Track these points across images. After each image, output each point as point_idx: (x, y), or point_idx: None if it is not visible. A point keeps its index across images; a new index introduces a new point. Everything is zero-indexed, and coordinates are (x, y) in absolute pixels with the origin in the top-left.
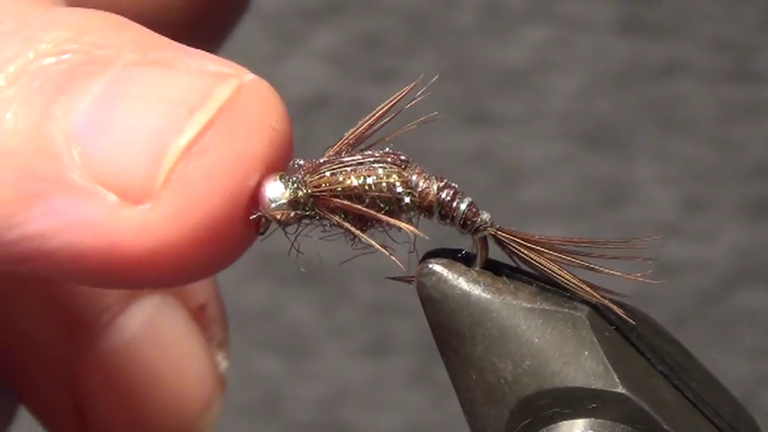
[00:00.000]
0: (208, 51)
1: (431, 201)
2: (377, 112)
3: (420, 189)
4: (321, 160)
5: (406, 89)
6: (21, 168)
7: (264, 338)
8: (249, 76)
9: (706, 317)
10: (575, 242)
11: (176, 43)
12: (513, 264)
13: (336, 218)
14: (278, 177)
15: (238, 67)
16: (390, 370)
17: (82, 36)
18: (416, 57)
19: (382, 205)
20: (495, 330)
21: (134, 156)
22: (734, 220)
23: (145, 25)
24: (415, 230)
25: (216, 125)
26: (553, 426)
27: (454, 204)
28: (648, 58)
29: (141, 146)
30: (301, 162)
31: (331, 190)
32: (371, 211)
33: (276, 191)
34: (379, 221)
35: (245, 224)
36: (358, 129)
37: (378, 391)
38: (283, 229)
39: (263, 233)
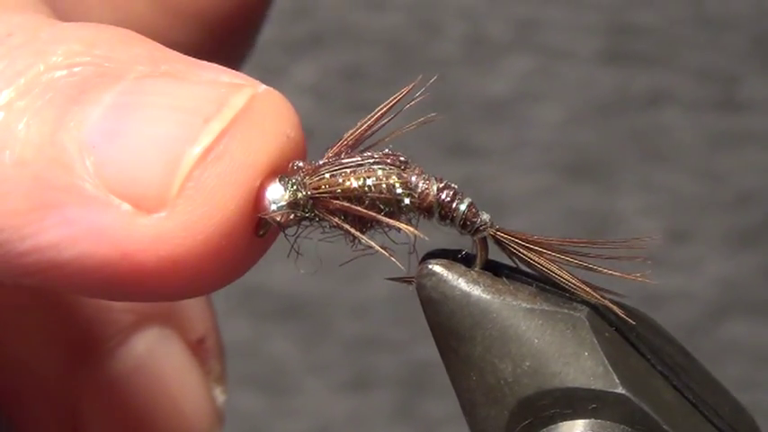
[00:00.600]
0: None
1: (431, 201)
2: (376, 113)
3: (420, 190)
4: (320, 162)
5: (405, 89)
6: (34, 178)
7: (245, 374)
8: (262, 87)
9: (691, 348)
10: (573, 242)
11: (187, 57)
12: (512, 264)
13: (336, 219)
14: (278, 179)
15: (250, 78)
16: (373, 405)
17: (92, 49)
18: (398, 88)
19: (382, 206)
20: (494, 331)
21: (148, 165)
22: (718, 250)
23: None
24: (415, 231)
25: (230, 133)
26: (553, 426)
27: (454, 205)
28: (633, 88)
29: (155, 155)
30: (301, 164)
31: (330, 192)
32: (371, 213)
33: (276, 193)
34: (379, 223)
35: (251, 227)
36: (357, 130)
37: (360, 427)
38: (283, 231)
39: (262, 234)
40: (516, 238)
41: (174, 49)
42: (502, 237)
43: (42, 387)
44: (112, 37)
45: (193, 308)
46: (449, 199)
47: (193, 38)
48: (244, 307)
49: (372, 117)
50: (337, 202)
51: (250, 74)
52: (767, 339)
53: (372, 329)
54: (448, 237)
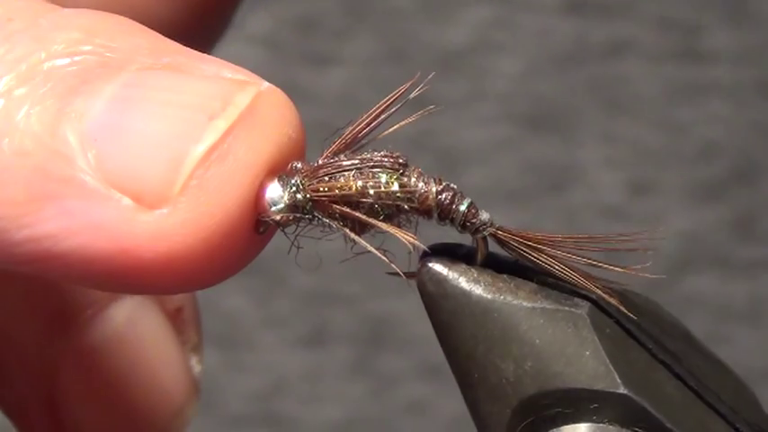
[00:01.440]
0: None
1: (429, 204)
2: (372, 112)
3: (419, 193)
4: (319, 162)
5: (401, 88)
6: (33, 169)
7: None
8: (265, 84)
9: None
10: (573, 238)
11: (189, 49)
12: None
13: (335, 223)
14: (277, 180)
15: (253, 74)
16: (328, 361)
17: (93, 38)
18: (353, 40)
19: (380, 210)
20: (496, 331)
21: (151, 161)
22: (681, 203)
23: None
24: (414, 241)
25: (235, 133)
26: (555, 429)
27: (453, 206)
28: (593, 38)
29: (159, 151)
30: (299, 165)
31: (329, 196)
32: (370, 220)
33: (275, 193)
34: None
35: (251, 226)
36: (354, 128)
37: (316, 383)
38: (282, 230)
39: (263, 231)
40: (516, 236)
41: (153, 26)
42: (502, 235)
43: (21, 355)
44: (114, 26)
45: None
46: (448, 201)
47: (174, 15)
48: None
49: (369, 115)
50: (336, 206)
51: None
52: (730, 293)
53: (328, 284)
54: (448, 231)
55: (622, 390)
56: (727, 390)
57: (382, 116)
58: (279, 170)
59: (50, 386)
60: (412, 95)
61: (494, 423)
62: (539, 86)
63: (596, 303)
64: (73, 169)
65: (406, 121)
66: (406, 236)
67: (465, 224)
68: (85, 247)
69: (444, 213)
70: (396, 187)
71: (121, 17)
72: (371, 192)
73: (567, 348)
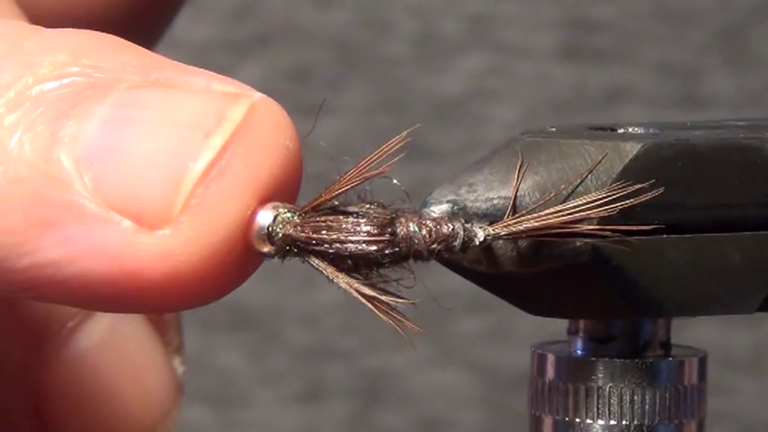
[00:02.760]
0: (145, 48)
1: (425, 256)
2: (367, 161)
3: (411, 248)
4: (310, 207)
5: (396, 140)
6: (30, 196)
7: (192, 387)
8: (257, 94)
9: None
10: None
11: (176, 63)
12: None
13: (329, 271)
14: (271, 208)
15: (242, 84)
16: (325, 417)
17: (80, 59)
18: (347, 89)
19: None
20: None
21: (149, 181)
22: None
23: (78, 24)
24: (404, 301)
25: (232, 147)
26: None
27: (449, 250)
28: (591, 84)
29: (157, 171)
30: (283, 209)
31: (316, 252)
32: (353, 285)
33: (264, 220)
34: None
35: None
36: (345, 177)
37: None
38: (271, 257)
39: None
40: (510, 226)
41: (90, 23)
42: (504, 234)
43: (5, 367)
44: (99, 44)
45: None
46: (443, 247)
47: (111, 11)
48: (190, 317)
49: (363, 164)
50: (324, 263)
51: None
52: (733, 342)
53: (323, 339)
54: None
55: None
56: None
57: (376, 164)
58: (283, 183)
59: (36, 399)
60: (406, 142)
61: None
62: None
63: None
64: (70, 194)
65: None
66: (391, 301)
67: (465, 249)
68: (88, 272)
69: (440, 256)
70: (386, 260)
71: (106, 35)
72: (357, 255)
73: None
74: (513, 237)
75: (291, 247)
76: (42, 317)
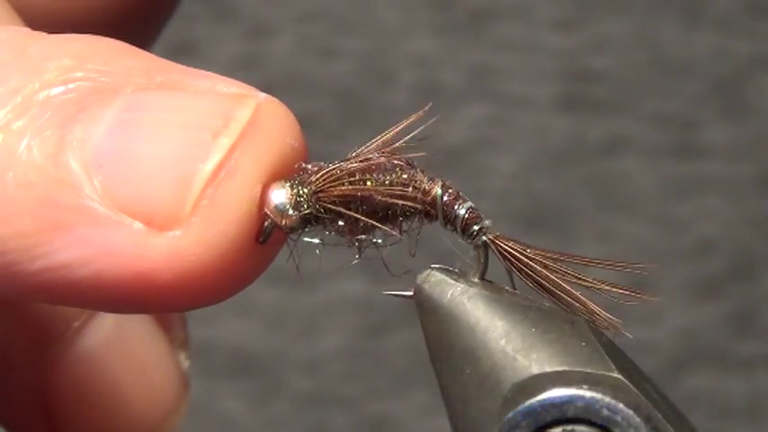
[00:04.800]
0: (142, 48)
1: (434, 198)
2: (380, 138)
3: (424, 186)
4: (328, 163)
5: (399, 123)
6: (41, 200)
7: None
8: (262, 95)
9: None
10: (570, 257)
11: (180, 65)
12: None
13: (341, 208)
14: (282, 182)
15: (247, 85)
16: None
17: (85, 63)
18: (350, 139)
19: (382, 210)
20: (493, 321)
21: (159, 183)
22: (678, 300)
23: (70, 27)
24: (420, 206)
25: (240, 148)
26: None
27: (456, 205)
28: (589, 135)
29: (166, 173)
30: (305, 165)
31: (335, 180)
32: (378, 189)
33: (279, 194)
34: (382, 220)
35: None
36: (364, 148)
37: None
38: (287, 236)
39: (263, 241)
40: (515, 248)
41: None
42: (501, 243)
43: (15, 369)
44: (103, 49)
45: None
46: (451, 198)
47: (105, 13)
48: (193, 364)
49: (375, 141)
50: (343, 188)
51: None
52: (729, 391)
53: (325, 385)
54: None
55: (616, 374)
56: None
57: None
58: (284, 178)
59: (45, 399)
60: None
61: (483, 422)
62: (535, 184)
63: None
64: (80, 197)
65: (409, 121)
66: (412, 204)
67: (466, 227)
68: (101, 274)
69: (447, 211)
70: (401, 177)
71: (110, 39)
72: (376, 181)
73: (563, 338)
74: (508, 256)
75: (310, 205)
76: (48, 318)
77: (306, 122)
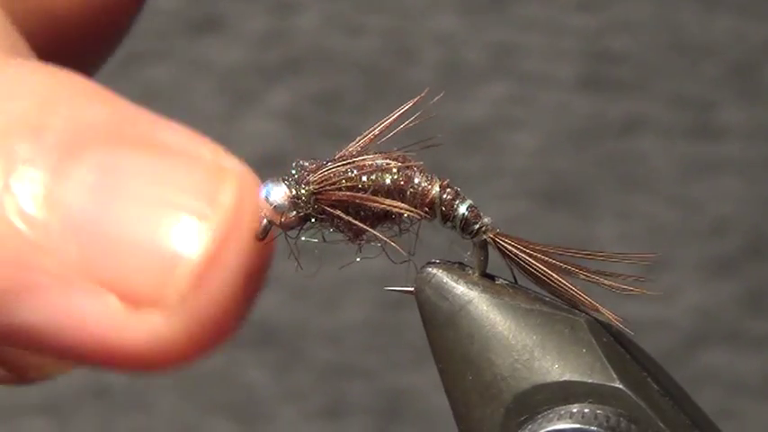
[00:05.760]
0: (106, 55)
1: (432, 198)
2: (376, 127)
3: (422, 186)
4: (325, 161)
5: (407, 104)
6: (11, 258)
7: (218, 403)
8: (238, 168)
9: None
10: (573, 253)
11: (148, 114)
12: (510, 279)
13: (339, 212)
14: (280, 179)
15: (216, 147)
16: None
17: (53, 110)
18: (374, 114)
19: (382, 211)
20: (492, 329)
21: (141, 263)
22: (694, 278)
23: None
24: (420, 213)
25: (226, 235)
26: (551, 428)
27: (455, 204)
28: (609, 114)
29: (148, 255)
30: (305, 163)
31: (333, 183)
32: (375, 198)
33: (277, 193)
34: (379, 220)
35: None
36: (358, 142)
37: None
38: (285, 234)
39: (263, 239)
40: (517, 244)
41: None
42: (502, 241)
43: None
44: (70, 92)
45: None
46: (450, 197)
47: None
48: None
49: (372, 130)
50: (340, 192)
51: (226, 99)
52: (743, 368)
53: (346, 357)
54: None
55: (618, 384)
56: (698, 414)
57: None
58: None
59: None
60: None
61: (487, 427)
62: (555, 162)
63: (594, 319)
64: (53, 261)
65: (408, 147)
66: (409, 208)
67: (466, 225)
68: (67, 340)
69: (446, 210)
70: (399, 176)
71: (76, 78)
72: (374, 180)
73: (564, 346)
74: (509, 254)
75: (308, 204)
76: None
77: (330, 97)
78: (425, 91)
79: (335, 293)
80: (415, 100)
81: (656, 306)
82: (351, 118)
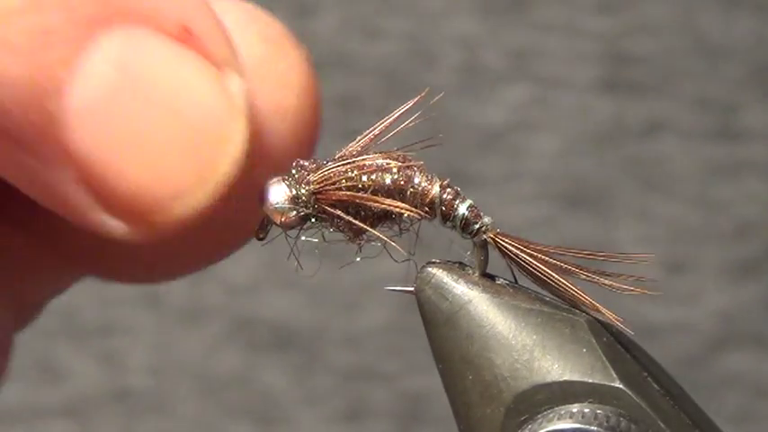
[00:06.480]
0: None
1: (432, 198)
2: (376, 126)
3: (422, 186)
4: (325, 161)
5: (409, 102)
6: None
7: (237, 405)
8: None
9: (690, 380)
10: (574, 253)
11: None
12: (510, 279)
13: (339, 212)
14: (280, 179)
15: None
16: None
17: None
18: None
19: (382, 212)
20: (492, 328)
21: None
22: (717, 281)
23: None
24: (419, 212)
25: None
26: (550, 427)
27: (455, 204)
28: (630, 117)
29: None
30: (303, 163)
31: (333, 183)
32: (376, 197)
33: (278, 193)
34: (380, 219)
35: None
36: (361, 139)
37: None
38: (285, 233)
39: (262, 238)
40: (517, 243)
41: None
42: (502, 240)
43: None
44: None
45: None
46: (450, 197)
47: None
48: (236, 338)
49: (375, 128)
50: (340, 192)
51: None
52: (766, 372)
53: (366, 360)
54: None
55: (618, 384)
56: (698, 414)
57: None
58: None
59: None
60: (406, 121)
61: (487, 427)
62: (575, 165)
63: (594, 318)
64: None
65: (410, 146)
66: (409, 209)
67: (466, 225)
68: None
69: (446, 210)
70: (400, 177)
71: None
72: (375, 180)
73: (564, 345)
74: (509, 254)
75: (308, 203)
76: None
77: (349, 100)
78: (425, 91)
79: (355, 297)
80: (416, 100)
81: (679, 309)
82: (370, 120)
